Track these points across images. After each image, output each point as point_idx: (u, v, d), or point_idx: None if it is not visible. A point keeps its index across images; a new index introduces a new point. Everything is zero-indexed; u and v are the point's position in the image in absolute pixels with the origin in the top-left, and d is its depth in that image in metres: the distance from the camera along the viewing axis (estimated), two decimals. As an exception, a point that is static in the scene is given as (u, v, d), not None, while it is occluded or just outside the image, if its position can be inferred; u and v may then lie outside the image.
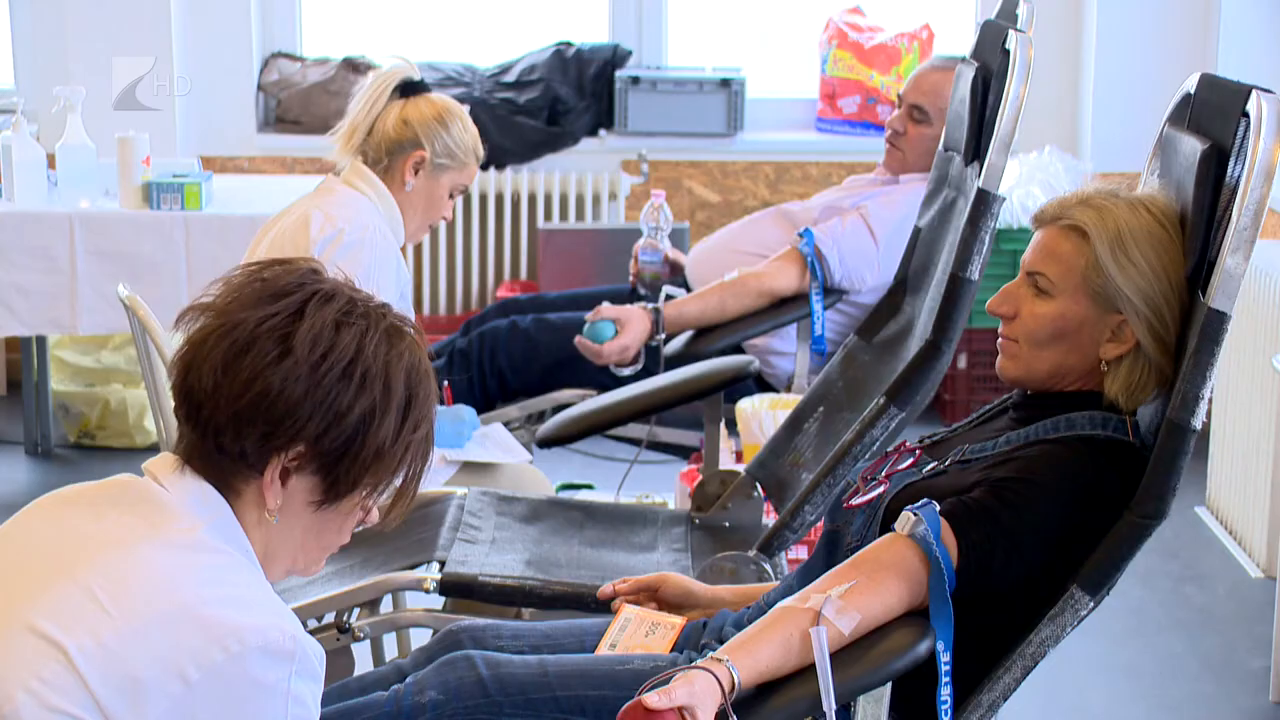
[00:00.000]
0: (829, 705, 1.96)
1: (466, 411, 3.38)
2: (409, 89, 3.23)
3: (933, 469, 2.25)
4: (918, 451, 2.31)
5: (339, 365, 1.66)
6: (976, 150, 3.03)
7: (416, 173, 3.21)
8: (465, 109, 3.31)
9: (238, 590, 1.62)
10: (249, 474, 1.68)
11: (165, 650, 1.56)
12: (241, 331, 1.65)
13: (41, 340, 5.09)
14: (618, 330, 3.76)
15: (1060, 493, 2.12)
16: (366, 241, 3.11)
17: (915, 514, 2.08)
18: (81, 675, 1.56)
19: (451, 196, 3.27)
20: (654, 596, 2.43)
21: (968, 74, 3.09)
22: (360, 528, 1.77)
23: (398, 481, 1.73)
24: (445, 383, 3.57)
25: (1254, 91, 2.07)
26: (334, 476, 1.68)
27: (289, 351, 1.65)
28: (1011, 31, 2.89)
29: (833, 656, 1.99)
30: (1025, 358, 2.24)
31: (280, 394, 1.64)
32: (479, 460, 3.34)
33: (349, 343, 1.67)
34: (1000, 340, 2.27)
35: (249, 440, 1.65)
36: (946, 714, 2.06)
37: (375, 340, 1.68)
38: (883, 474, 2.29)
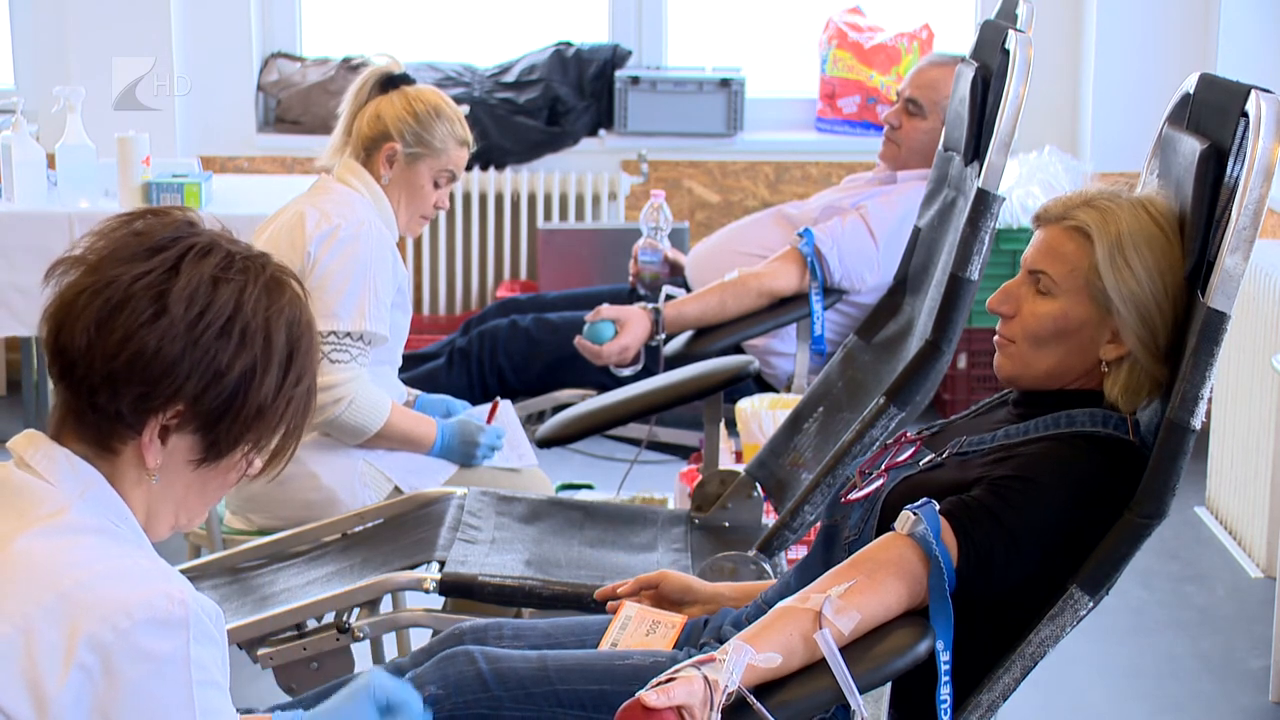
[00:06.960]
0: (856, 704, 1.96)
1: (490, 435, 3.29)
2: (388, 84, 3.25)
3: (930, 462, 2.25)
4: (916, 443, 2.32)
5: (217, 323, 1.61)
6: (976, 150, 3.03)
7: (391, 165, 3.23)
8: (464, 108, 3.32)
9: (117, 564, 1.57)
10: (126, 433, 1.63)
11: (56, 641, 1.52)
12: (115, 290, 1.60)
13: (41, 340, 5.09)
14: (617, 330, 3.76)
15: (1061, 492, 2.12)
16: (361, 236, 3.13)
17: (915, 513, 2.08)
18: None
19: (437, 185, 3.27)
20: (654, 594, 2.44)
21: (968, 74, 3.09)
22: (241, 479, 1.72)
23: (279, 437, 1.68)
24: (496, 398, 3.49)
25: (1253, 91, 2.07)
26: (214, 435, 1.64)
27: (164, 310, 1.60)
28: (1011, 31, 2.89)
29: (834, 656, 1.99)
30: (1023, 355, 2.24)
31: (156, 354, 1.59)
32: (484, 466, 3.32)
33: (227, 299, 1.62)
34: (997, 338, 2.28)
35: (125, 400, 1.60)
36: (946, 714, 2.06)
37: (255, 295, 1.64)
38: (881, 466, 2.29)
